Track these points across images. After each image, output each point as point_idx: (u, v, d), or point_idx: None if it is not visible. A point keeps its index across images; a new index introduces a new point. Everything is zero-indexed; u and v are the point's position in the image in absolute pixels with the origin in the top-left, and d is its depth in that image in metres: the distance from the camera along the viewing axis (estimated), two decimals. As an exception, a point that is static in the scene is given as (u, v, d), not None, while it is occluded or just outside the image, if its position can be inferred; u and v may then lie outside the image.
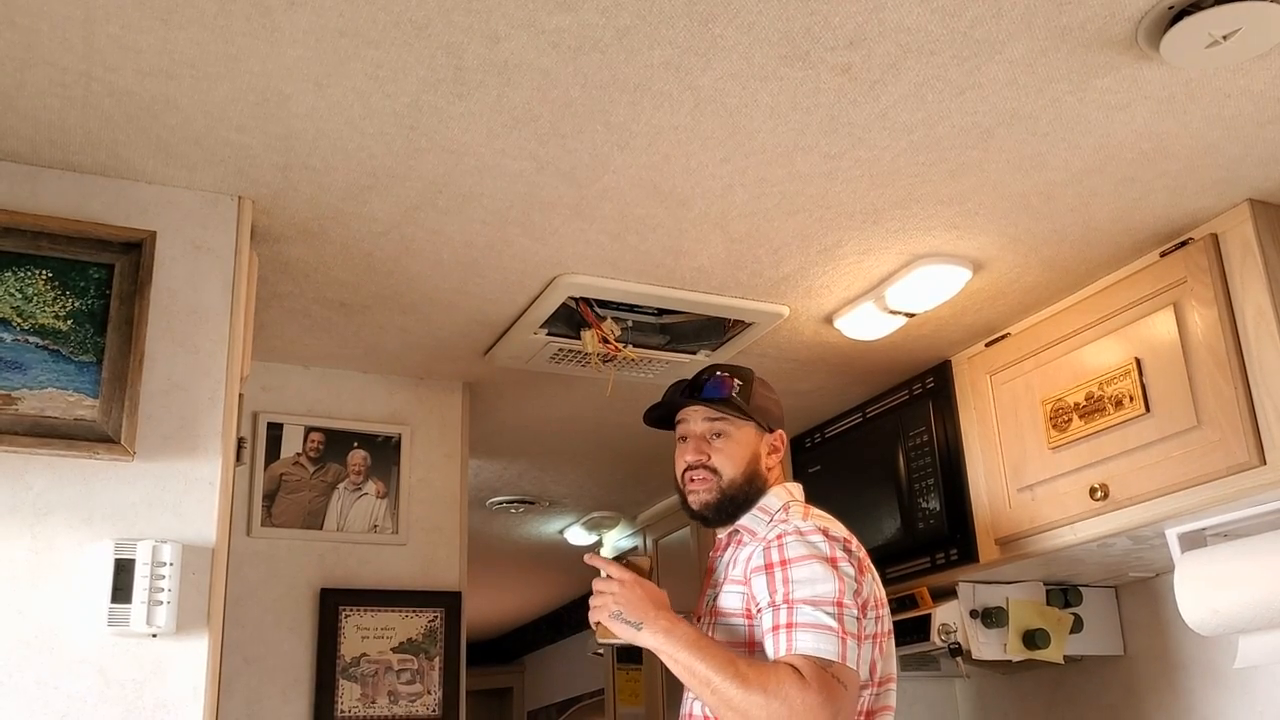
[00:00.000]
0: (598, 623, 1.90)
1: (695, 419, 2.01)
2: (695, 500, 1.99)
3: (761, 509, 1.97)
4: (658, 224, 2.20)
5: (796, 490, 2.02)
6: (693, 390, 2.02)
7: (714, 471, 1.97)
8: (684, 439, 2.02)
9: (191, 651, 1.82)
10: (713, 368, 2.05)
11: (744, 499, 1.97)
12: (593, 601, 1.90)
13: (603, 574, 1.91)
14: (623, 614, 1.84)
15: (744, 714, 1.68)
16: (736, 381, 2.01)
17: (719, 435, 1.99)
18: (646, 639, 1.81)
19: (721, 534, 2.04)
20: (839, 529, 1.89)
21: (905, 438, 2.91)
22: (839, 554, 1.81)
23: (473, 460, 3.46)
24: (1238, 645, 2.26)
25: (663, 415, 2.07)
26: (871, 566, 1.90)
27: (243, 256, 2.04)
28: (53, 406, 1.80)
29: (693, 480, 1.99)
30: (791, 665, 1.69)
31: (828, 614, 1.73)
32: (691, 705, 1.90)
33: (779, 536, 1.84)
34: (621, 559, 1.94)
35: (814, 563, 1.78)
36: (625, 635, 1.85)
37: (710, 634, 1.89)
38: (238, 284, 2.02)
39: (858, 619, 1.76)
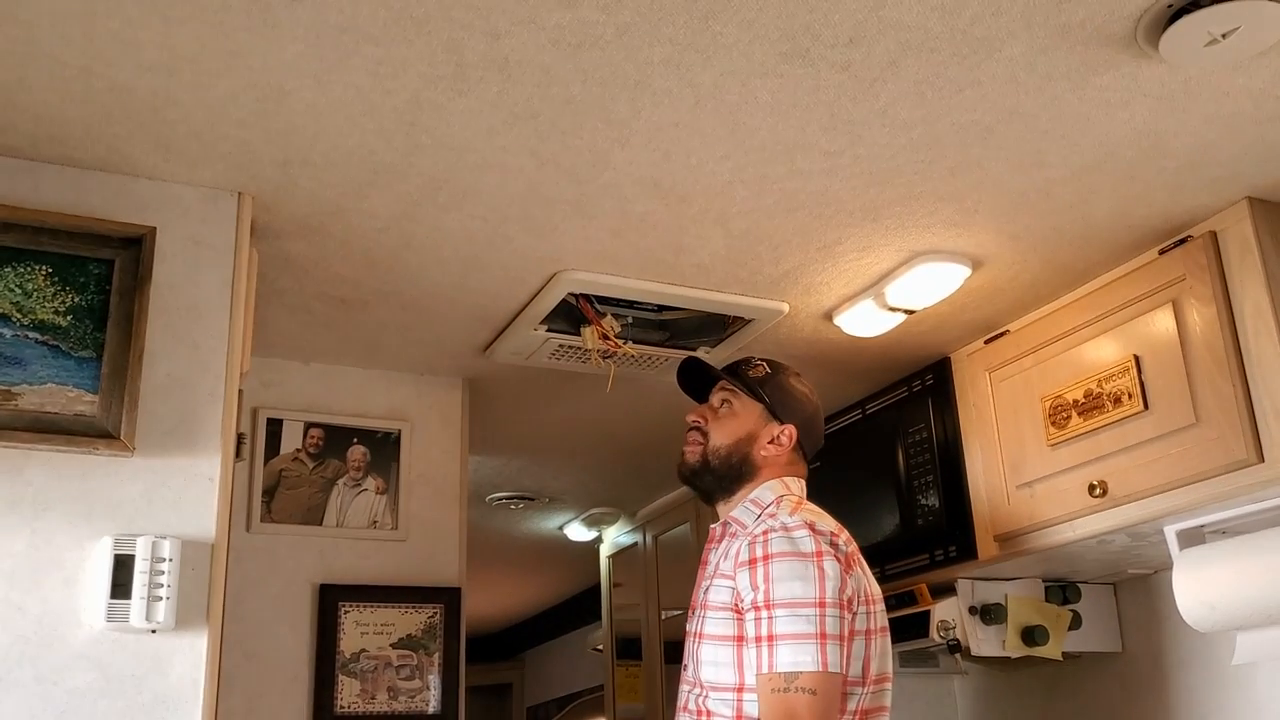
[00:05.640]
0: None
1: (716, 393, 2.11)
2: (681, 460, 2.08)
3: (754, 502, 1.97)
4: (658, 221, 2.20)
5: (794, 485, 2.01)
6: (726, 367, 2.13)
7: (705, 436, 2.05)
8: None
9: (191, 647, 1.82)
10: (753, 358, 2.14)
11: (724, 472, 2.02)
12: None
13: None
14: None
15: None
16: (765, 368, 2.09)
17: (725, 404, 2.08)
18: None
19: (716, 526, 2.05)
20: (827, 523, 1.88)
21: (904, 434, 2.91)
22: (824, 548, 1.80)
23: (472, 456, 3.45)
24: (1236, 642, 2.26)
25: (696, 388, 2.17)
26: (862, 561, 1.90)
27: (243, 252, 2.04)
28: (52, 402, 1.80)
29: (687, 441, 2.08)
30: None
31: (805, 617, 1.73)
32: (688, 699, 1.90)
33: (764, 533, 1.84)
34: None
35: (794, 560, 1.78)
36: None
37: (700, 626, 1.89)
38: (238, 280, 2.02)
39: (839, 618, 1.76)
